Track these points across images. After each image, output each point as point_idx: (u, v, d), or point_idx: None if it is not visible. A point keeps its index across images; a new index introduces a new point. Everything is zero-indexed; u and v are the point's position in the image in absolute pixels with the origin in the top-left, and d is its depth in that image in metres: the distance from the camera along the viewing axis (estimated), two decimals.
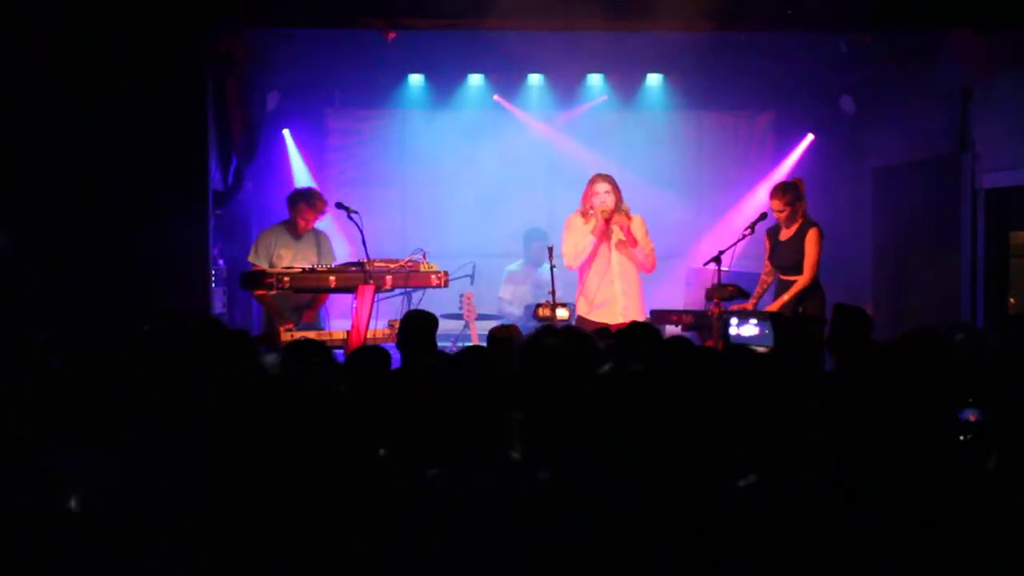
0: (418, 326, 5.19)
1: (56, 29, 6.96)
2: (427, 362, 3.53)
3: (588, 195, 7.41)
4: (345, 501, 2.57)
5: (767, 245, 7.50)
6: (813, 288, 7.23)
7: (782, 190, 7.36)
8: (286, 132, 9.87)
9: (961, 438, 3.45)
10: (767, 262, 7.52)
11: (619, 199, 7.37)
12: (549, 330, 3.36)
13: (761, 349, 5.21)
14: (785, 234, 7.36)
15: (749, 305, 7.25)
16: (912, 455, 2.72)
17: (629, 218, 7.37)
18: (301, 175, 9.79)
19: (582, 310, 7.47)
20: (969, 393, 3.76)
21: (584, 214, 7.42)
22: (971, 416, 3.77)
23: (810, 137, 10.17)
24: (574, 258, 7.39)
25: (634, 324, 4.82)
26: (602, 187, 7.35)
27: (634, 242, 7.28)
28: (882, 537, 2.52)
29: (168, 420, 3.17)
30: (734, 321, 5.52)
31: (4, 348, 4.68)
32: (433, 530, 2.51)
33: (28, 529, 2.59)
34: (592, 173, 7.52)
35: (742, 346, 5.34)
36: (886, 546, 2.50)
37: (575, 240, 7.40)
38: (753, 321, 5.47)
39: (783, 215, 7.31)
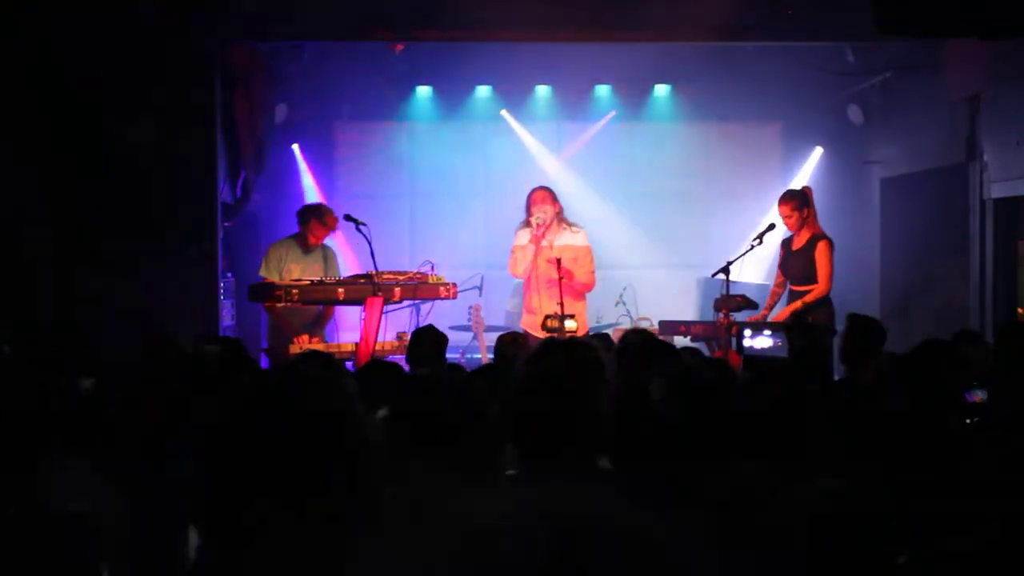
0: (429, 344, 5.20)
1: (64, 42, 6.99)
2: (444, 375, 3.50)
3: (529, 206, 7.48)
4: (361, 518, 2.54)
5: (780, 254, 7.52)
6: (824, 300, 7.22)
7: (789, 196, 7.45)
8: (295, 147, 9.89)
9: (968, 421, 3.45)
10: (779, 272, 7.53)
11: (559, 211, 7.47)
12: (552, 342, 3.35)
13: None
14: (796, 244, 7.38)
15: (760, 316, 7.25)
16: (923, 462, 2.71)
17: (573, 231, 7.47)
18: (311, 191, 9.83)
19: (523, 320, 7.63)
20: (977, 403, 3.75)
21: (528, 225, 7.51)
22: (976, 397, 3.76)
23: (819, 151, 10.17)
24: (513, 265, 7.55)
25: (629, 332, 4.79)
26: (539, 196, 7.47)
27: (570, 275, 7.21)
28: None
29: (171, 433, 3.17)
30: (748, 332, 5.53)
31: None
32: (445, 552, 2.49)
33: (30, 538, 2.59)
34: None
35: (758, 357, 5.34)
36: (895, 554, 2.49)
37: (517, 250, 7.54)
38: (767, 332, 5.48)
39: (791, 220, 7.35)
